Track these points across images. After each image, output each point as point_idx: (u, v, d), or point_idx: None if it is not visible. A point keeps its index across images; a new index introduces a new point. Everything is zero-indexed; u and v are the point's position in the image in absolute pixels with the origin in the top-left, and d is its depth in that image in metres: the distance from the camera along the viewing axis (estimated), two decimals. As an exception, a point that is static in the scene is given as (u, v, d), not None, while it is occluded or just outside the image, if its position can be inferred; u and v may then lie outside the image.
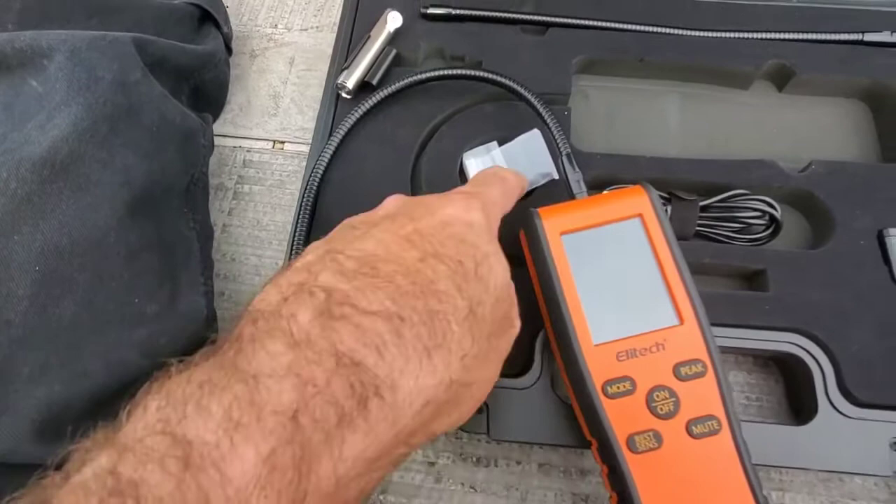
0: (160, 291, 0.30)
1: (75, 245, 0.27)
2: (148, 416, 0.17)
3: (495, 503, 0.31)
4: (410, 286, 0.20)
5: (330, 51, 0.42)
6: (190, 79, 0.38)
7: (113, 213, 0.28)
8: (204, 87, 0.39)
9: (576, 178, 0.30)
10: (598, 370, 0.26)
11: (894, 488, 0.31)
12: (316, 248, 0.22)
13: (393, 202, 0.25)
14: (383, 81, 0.37)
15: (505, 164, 0.35)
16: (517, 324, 0.26)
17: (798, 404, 0.31)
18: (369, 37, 0.37)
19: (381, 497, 0.31)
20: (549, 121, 0.32)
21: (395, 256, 0.21)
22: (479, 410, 0.29)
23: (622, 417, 0.25)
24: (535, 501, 0.31)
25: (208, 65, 0.39)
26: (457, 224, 0.23)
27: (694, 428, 0.25)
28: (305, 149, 0.41)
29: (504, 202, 0.28)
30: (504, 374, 0.30)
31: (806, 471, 0.31)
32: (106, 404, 0.26)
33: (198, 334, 0.31)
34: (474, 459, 0.32)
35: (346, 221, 0.24)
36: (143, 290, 0.29)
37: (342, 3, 0.40)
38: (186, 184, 0.34)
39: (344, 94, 0.36)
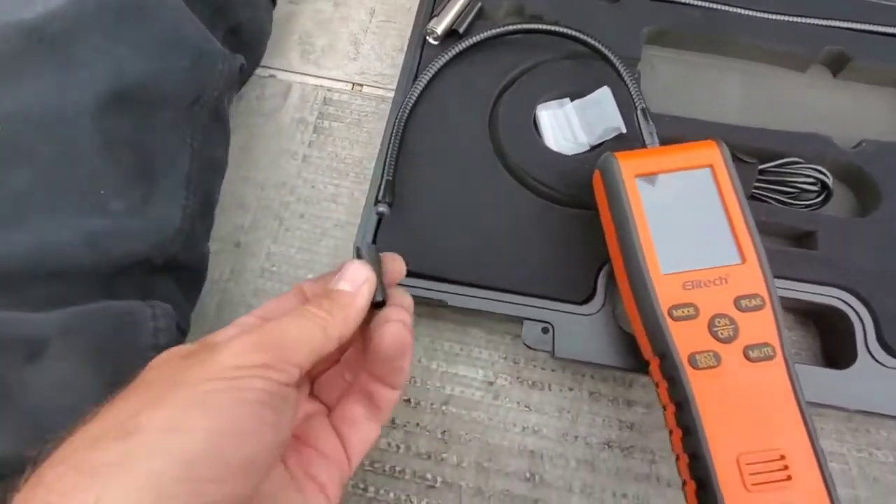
0: (131, 191, 0.29)
1: (46, 116, 0.26)
2: None
3: (548, 422, 0.34)
4: None
5: (408, 6, 0.44)
6: (227, 17, 0.38)
7: (94, 98, 0.27)
8: (240, 29, 0.39)
9: (649, 131, 0.33)
10: (665, 296, 0.28)
11: (917, 442, 0.34)
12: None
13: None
14: (468, 32, 0.39)
15: (576, 118, 0.38)
16: None
17: (835, 355, 0.34)
18: (457, -11, 0.39)
19: (444, 407, 0.34)
20: (626, 77, 0.34)
21: None
22: (545, 331, 0.32)
23: (685, 337, 0.28)
24: (584, 424, 0.34)
25: (245, 5, 0.39)
26: None
27: (751, 352, 0.27)
28: (383, 92, 0.43)
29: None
30: (570, 301, 0.33)
31: (836, 417, 0.34)
32: (28, 278, 0.24)
33: (164, 244, 0.30)
34: (530, 383, 0.35)
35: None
36: (112, 183, 0.28)
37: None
38: (190, 101, 0.33)
39: (431, 40, 0.39)
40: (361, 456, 0.25)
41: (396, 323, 0.24)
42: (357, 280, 0.24)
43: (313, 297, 0.24)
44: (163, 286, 0.30)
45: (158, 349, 0.26)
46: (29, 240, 0.24)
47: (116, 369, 0.25)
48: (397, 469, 0.32)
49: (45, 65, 0.27)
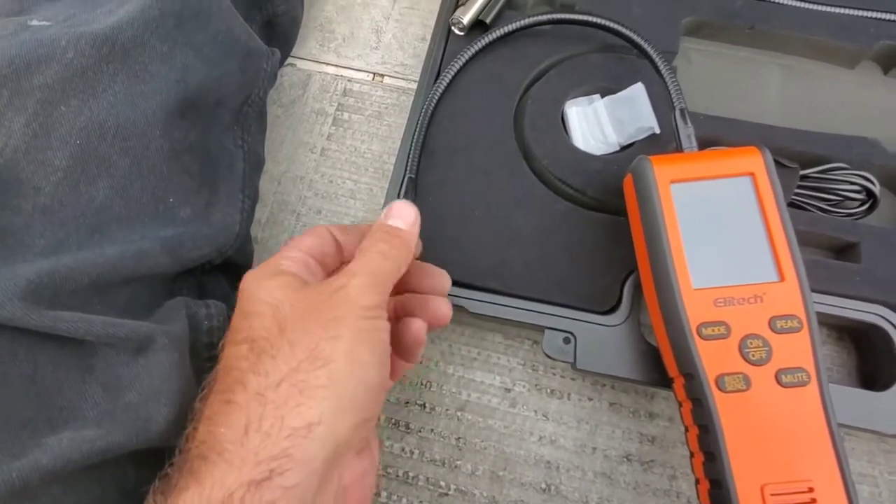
0: (196, 197, 0.30)
1: (120, 128, 0.26)
2: None
3: (566, 432, 0.33)
4: None
5: (434, -10, 0.42)
6: (263, 9, 0.38)
7: (163, 107, 0.28)
8: (276, 20, 0.39)
9: (687, 133, 0.31)
10: (694, 312, 0.27)
11: (954, 467, 0.32)
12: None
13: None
14: (495, 22, 0.37)
15: (607, 115, 0.36)
16: None
17: (873, 375, 0.32)
18: (485, -24, 0.37)
19: (459, 413, 0.33)
20: (665, 73, 0.32)
21: None
22: (567, 341, 0.31)
23: (714, 358, 0.26)
24: (603, 435, 0.33)
25: None
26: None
27: (783, 377, 0.26)
28: (404, 84, 0.42)
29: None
30: (594, 311, 0.31)
31: (869, 438, 0.32)
32: (114, 284, 0.25)
33: (225, 247, 0.31)
34: (548, 391, 0.34)
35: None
36: (180, 191, 0.29)
37: (456, -58, 0.41)
38: (241, 102, 0.34)
39: (457, 31, 0.37)
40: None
41: (418, 321, 0.27)
42: (408, 218, 0.27)
43: (377, 234, 0.26)
44: (214, 282, 0.32)
45: (211, 347, 0.27)
46: (116, 250, 0.26)
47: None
48: (410, 475, 0.32)
49: (117, 76, 0.27)
